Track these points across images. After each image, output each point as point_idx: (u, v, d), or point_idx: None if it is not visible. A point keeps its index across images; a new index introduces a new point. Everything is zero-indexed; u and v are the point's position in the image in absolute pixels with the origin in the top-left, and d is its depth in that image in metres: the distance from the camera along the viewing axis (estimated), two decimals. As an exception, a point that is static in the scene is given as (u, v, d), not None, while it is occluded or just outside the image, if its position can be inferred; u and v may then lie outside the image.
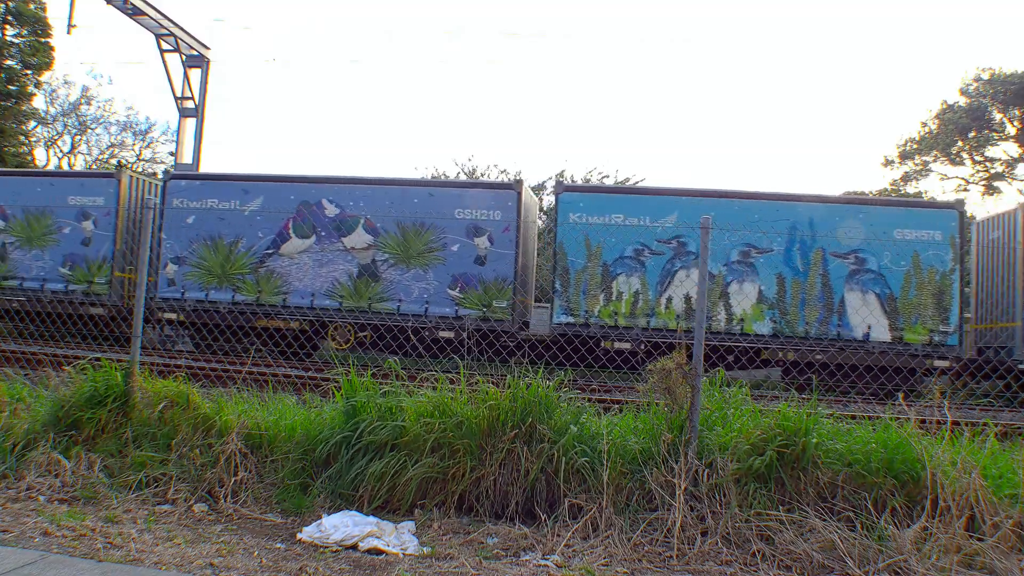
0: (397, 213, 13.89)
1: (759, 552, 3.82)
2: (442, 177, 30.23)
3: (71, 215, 15.16)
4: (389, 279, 13.92)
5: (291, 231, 14.38)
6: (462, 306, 13.59)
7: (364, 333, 14.08)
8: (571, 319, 13.25)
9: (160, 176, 16.09)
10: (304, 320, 14.08)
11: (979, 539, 3.78)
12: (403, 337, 13.29)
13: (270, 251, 14.38)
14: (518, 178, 13.76)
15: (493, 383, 4.74)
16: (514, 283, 13.42)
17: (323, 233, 14.19)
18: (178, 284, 14.54)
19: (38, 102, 34.38)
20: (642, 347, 12.86)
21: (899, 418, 4.49)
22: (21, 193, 15.45)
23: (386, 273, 13.96)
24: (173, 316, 14.47)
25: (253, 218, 14.38)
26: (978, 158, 34.30)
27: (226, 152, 64.02)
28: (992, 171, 34.14)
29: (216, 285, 14.42)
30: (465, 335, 13.01)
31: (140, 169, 36.86)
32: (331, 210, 14.23)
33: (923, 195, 34.19)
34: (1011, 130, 32.93)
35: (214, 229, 14.48)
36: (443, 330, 13.40)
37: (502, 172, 31.44)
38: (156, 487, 4.62)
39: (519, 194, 13.63)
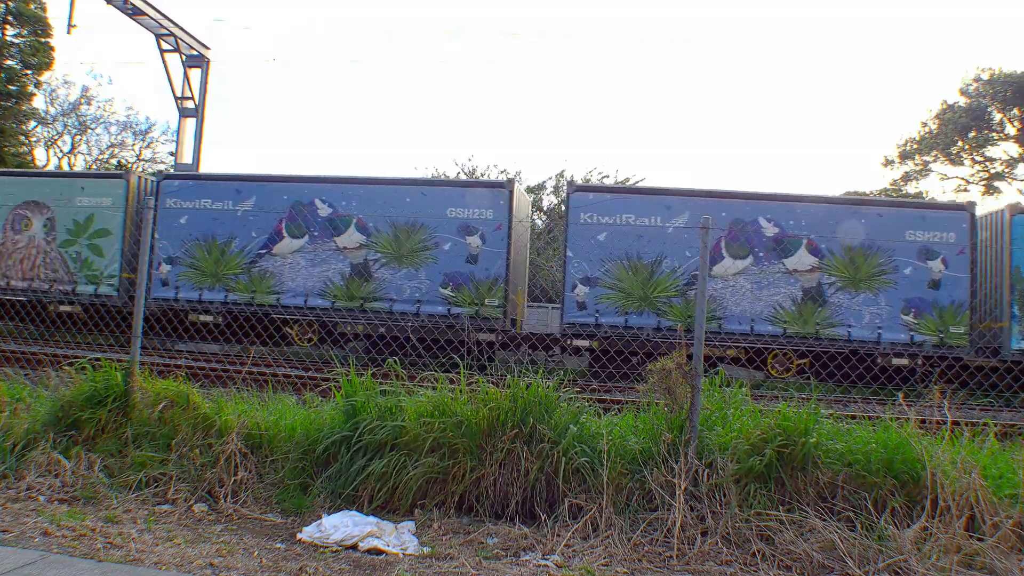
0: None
1: (759, 552, 3.82)
2: (442, 177, 30.23)
3: (451, 229, 13.79)
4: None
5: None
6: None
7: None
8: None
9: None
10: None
11: (979, 539, 3.78)
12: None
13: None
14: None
15: (493, 383, 4.74)
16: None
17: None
18: (590, 307, 13.40)
19: (38, 102, 34.45)
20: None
21: (899, 418, 4.49)
22: (388, 203, 14.04)
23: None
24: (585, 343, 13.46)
25: None
26: (978, 158, 34.31)
27: (226, 152, 64.05)
28: (992, 171, 34.14)
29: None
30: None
31: (141, 169, 36.86)
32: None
33: (923, 195, 34.19)
34: (1011, 130, 32.93)
35: None
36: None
37: (502, 172, 31.44)
38: (156, 487, 4.62)
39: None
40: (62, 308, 15.06)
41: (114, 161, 38.29)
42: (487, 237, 13.58)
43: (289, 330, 14.50)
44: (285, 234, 14.37)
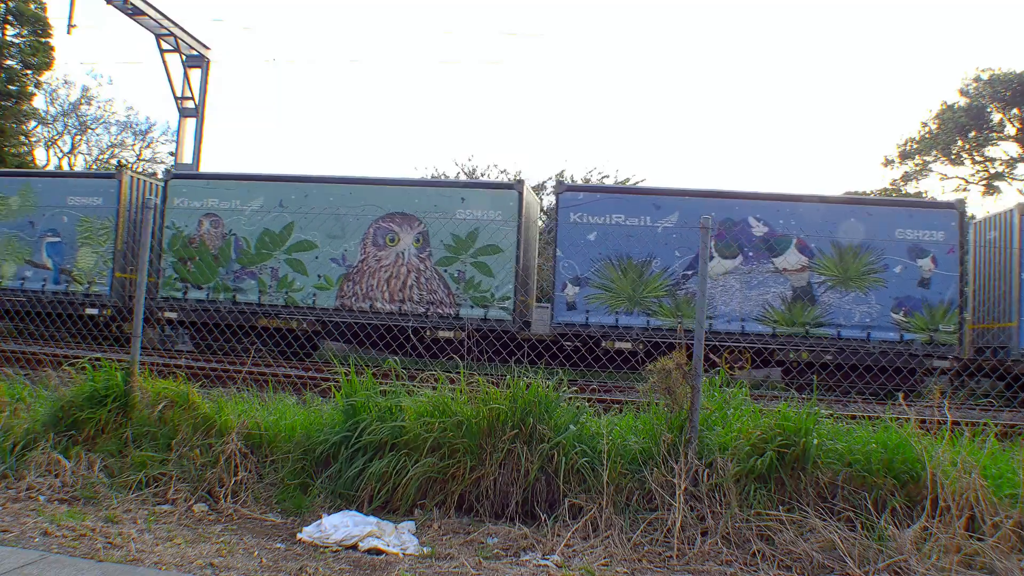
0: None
1: (759, 552, 3.82)
2: (442, 177, 30.23)
3: (901, 251, 12.96)
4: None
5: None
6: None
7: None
8: None
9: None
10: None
11: (979, 539, 3.78)
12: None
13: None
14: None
15: (493, 383, 4.74)
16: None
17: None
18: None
19: (38, 102, 34.44)
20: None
21: (899, 418, 4.49)
22: (829, 223, 13.17)
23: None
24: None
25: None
26: (978, 158, 34.32)
27: (226, 152, 64.03)
28: (992, 171, 34.14)
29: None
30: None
31: (141, 170, 36.80)
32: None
33: (923, 195, 34.19)
34: (1011, 130, 32.93)
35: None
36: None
37: (502, 172, 31.47)
38: (156, 487, 4.62)
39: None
40: (441, 334, 13.42)
41: (114, 161, 38.31)
42: (938, 260, 12.86)
43: (715, 356, 13.19)
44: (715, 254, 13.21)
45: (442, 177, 30.31)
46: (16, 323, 14.12)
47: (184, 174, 16.33)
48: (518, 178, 13.74)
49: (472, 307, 13.49)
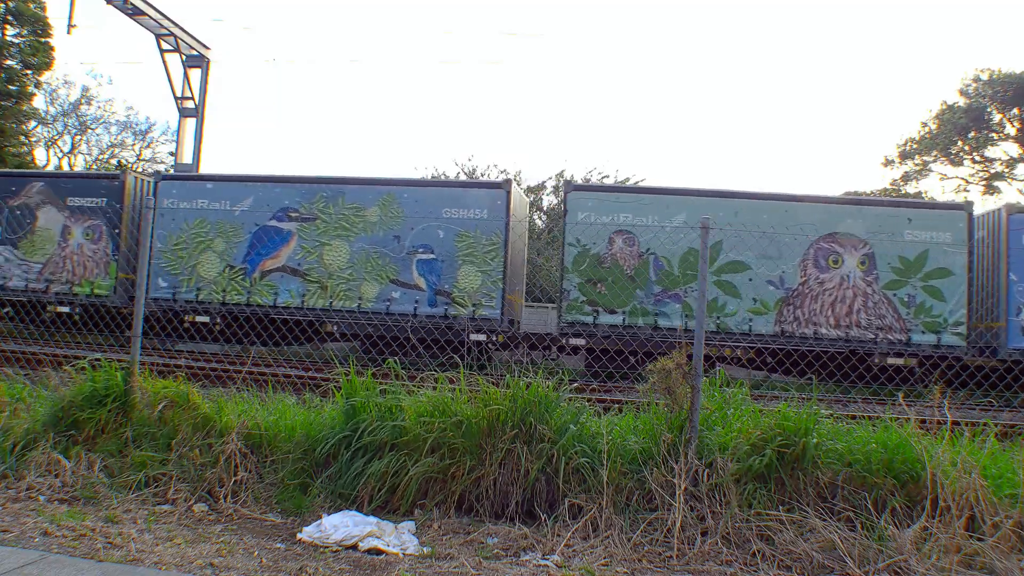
0: None
1: (759, 552, 3.82)
2: (442, 177, 30.21)
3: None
4: None
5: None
6: None
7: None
8: None
9: None
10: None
11: (979, 539, 3.78)
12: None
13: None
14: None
15: (492, 383, 4.74)
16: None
17: None
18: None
19: (38, 102, 34.44)
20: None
21: (899, 418, 4.49)
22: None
23: None
24: None
25: None
26: (978, 158, 34.30)
27: (226, 152, 64.05)
28: (992, 171, 34.13)
29: None
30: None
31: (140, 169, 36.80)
32: None
33: (923, 195, 34.18)
34: (1011, 130, 32.92)
35: None
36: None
37: (502, 172, 31.45)
38: (156, 487, 4.62)
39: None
40: (890, 361, 12.82)
41: (113, 162, 38.30)
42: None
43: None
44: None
45: (442, 177, 30.29)
46: (376, 349, 12.46)
47: (590, 186, 15.35)
48: (966, 200, 13.20)
49: (923, 332, 12.90)
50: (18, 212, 15.80)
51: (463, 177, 30.13)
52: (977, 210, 13.81)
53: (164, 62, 20.48)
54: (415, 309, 13.67)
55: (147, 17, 19.20)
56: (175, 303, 14.57)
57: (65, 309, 15.23)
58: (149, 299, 14.53)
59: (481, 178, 29.11)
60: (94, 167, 37.46)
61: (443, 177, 30.30)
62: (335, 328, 13.88)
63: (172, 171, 15.57)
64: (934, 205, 16.17)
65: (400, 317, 13.39)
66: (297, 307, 14.12)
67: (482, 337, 13.32)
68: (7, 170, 21.55)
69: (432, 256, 13.76)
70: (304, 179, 14.63)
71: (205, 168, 21.02)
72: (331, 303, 13.96)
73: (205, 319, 14.31)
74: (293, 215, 14.36)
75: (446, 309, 13.53)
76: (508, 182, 13.73)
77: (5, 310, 15.84)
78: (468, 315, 13.43)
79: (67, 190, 15.69)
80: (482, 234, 13.56)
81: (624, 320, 13.18)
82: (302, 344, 14.51)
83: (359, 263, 14.01)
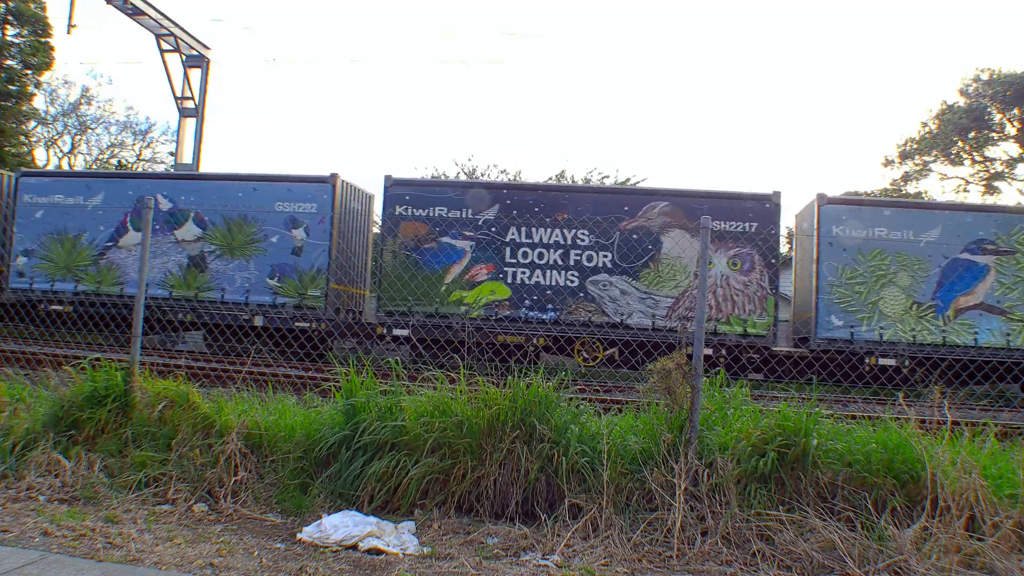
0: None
1: (759, 552, 3.82)
2: (442, 177, 30.21)
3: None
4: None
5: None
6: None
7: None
8: None
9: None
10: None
11: (979, 539, 3.78)
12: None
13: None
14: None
15: (493, 383, 4.74)
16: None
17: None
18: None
19: (38, 102, 34.42)
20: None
21: (899, 418, 4.48)
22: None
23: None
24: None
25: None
26: (978, 158, 34.29)
27: (226, 152, 64.03)
28: (992, 171, 34.12)
29: None
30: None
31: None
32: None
33: (923, 195, 34.17)
34: (1011, 130, 32.91)
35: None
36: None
37: (502, 172, 31.49)
38: (156, 487, 4.61)
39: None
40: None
41: (114, 161, 38.30)
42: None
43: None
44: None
45: (442, 177, 30.31)
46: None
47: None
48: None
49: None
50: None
51: (463, 177, 30.14)
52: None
53: (164, 62, 20.49)
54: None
55: (147, 17, 19.21)
56: (852, 343, 13.03)
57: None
58: (822, 339, 12.96)
59: (481, 178, 29.11)
60: (93, 167, 37.43)
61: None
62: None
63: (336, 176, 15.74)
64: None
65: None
66: (1001, 347, 12.79)
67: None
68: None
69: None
70: (1000, 208, 13.99)
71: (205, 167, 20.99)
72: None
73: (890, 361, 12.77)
74: (988, 248, 13.09)
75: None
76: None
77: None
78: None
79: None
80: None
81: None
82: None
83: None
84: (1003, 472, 4.20)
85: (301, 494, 4.58)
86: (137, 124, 47.49)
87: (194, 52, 20.78)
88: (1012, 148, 33.46)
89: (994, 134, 33.31)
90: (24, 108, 30.38)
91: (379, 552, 3.86)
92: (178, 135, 21.41)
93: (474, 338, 13.47)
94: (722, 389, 4.91)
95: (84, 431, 4.98)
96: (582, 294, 13.57)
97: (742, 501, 4.09)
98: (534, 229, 13.75)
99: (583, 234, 13.61)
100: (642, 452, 4.46)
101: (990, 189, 34.27)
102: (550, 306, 13.61)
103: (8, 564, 3.38)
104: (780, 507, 4.05)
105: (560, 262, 13.69)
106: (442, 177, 30.13)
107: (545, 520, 4.20)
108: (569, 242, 13.69)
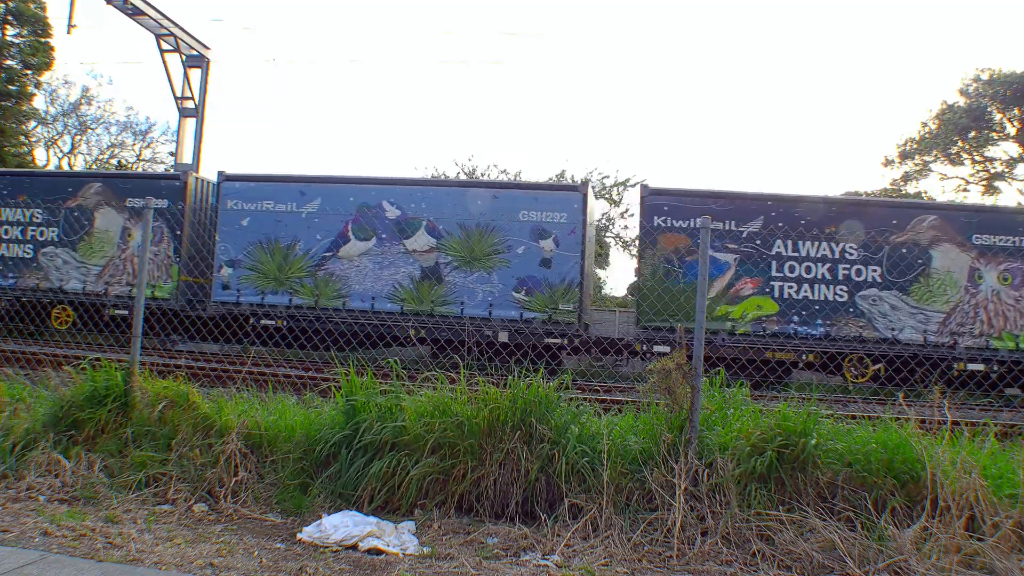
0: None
1: (759, 552, 3.82)
2: (442, 177, 30.21)
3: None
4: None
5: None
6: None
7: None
8: None
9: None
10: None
11: (979, 539, 3.78)
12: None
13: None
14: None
15: (493, 383, 4.74)
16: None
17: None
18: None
19: (38, 102, 34.44)
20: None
21: (899, 418, 4.48)
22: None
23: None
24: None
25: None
26: (978, 158, 34.30)
27: (226, 152, 64.04)
28: (992, 171, 34.12)
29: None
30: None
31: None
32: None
33: (923, 195, 34.17)
34: (1011, 130, 32.91)
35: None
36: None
37: (502, 172, 31.46)
38: (156, 487, 4.61)
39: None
40: None
41: (114, 161, 38.30)
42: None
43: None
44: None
45: (442, 177, 30.32)
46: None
47: None
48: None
49: None
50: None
51: (463, 176, 30.13)
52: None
53: (164, 62, 20.47)
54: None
55: (147, 17, 19.19)
56: None
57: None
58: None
59: (481, 178, 29.08)
60: (93, 167, 37.42)
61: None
62: None
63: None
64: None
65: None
66: None
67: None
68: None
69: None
70: None
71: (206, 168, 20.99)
72: None
73: None
74: None
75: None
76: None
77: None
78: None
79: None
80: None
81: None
82: None
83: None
84: (1003, 472, 4.19)
85: (301, 494, 4.58)
86: (137, 124, 47.50)
87: (194, 52, 20.76)
88: (1012, 148, 33.47)
89: (994, 134, 33.31)
90: (24, 108, 30.41)
91: (379, 552, 3.87)
92: (178, 135, 21.39)
93: (744, 354, 13.05)
94: (722, 389, 4.91)
95: (84, 431, 4.98)
96: (851, 309, 13.31)
97: (742, 501, 4.09)
98: (801, 242, 13.42)
99: (851, 248, 13.33)
100: (642, 452, 4.46)
101: (990, 189, 34.29)
102: (819, 321, 13.36)
103: (8, 564, 3.38)
104: (780, 507, 4.05)
105: (828, 276, 13.39)
106: (442, 176, 30.13)
107: (545, 520, 4.20)
108: (837, 256, 13.39)
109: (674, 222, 13.53)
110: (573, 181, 28.81)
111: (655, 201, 13.63)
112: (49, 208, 15.15)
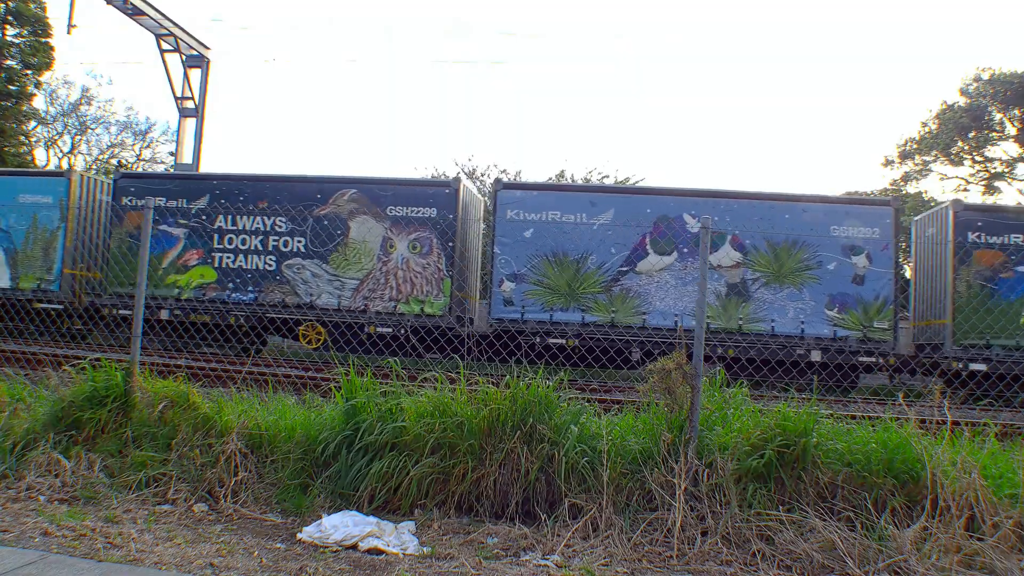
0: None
1: (759, 552, 3.82)
2: (442, 177, 30.22)
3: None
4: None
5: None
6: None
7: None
8: None
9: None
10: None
11: (979, 539, 3.78)
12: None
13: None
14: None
15: (493, 383, 4.74)
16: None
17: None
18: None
19: (38, 102, 34.44)
20: None
21: (899, 418, 4.49)
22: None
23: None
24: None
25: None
26: (978, 158, 34.28)
27: (226, 152, 64.05)
28: (992, 171, 34.12)
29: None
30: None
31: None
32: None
33: (923, 195, 34.16)
34: (1011, 130, 32.90)
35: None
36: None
37: (502, 172, 31.48)
38: (156, 487, 4.62)
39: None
40: None
41: (114, 162, 38.30)
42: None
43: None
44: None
45: (442, 177, 30.33)
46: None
47: None
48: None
49: None
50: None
51: (463, 177, 30.09)
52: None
53: (164, 62, 20.50)
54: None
55: (147, 17, 19.22)
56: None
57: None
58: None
59: (481, 177, 29.04)
60: (93, 167, 37.44)
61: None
62: None
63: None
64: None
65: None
66: None
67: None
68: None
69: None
70: None
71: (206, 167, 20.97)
72: None
73: None
74: None
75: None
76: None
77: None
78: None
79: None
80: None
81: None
82: None
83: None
84: (1003, 472, 4.20)
85: (301, 494, 4.58)
86: (137, 124, 47.39)
87: (194, 52, 20.79)
88: (1012, 148, 33.47)
89: (994, 134, 33.29)
90: (24, 108, 30.42)
91: (379, 552, 3.87)
92: (178, 135, 21.42)
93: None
94: (722, 389, 4.91)
95: (84, 431, 4.98)
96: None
97: (742, 501, 4.09)
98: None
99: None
100: (642, 452, 4.46)
101: (990, 189, 34.28)
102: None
103: (8, 564, 3.38)
104: (780, 507, 4.05)
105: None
106: (442, 175, 30.15)
107: (545, 520, 4.20)
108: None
109: (988, 238, 13.15)
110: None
111: (967, 216, 13.26)
112: (293, 216, 14.23)
